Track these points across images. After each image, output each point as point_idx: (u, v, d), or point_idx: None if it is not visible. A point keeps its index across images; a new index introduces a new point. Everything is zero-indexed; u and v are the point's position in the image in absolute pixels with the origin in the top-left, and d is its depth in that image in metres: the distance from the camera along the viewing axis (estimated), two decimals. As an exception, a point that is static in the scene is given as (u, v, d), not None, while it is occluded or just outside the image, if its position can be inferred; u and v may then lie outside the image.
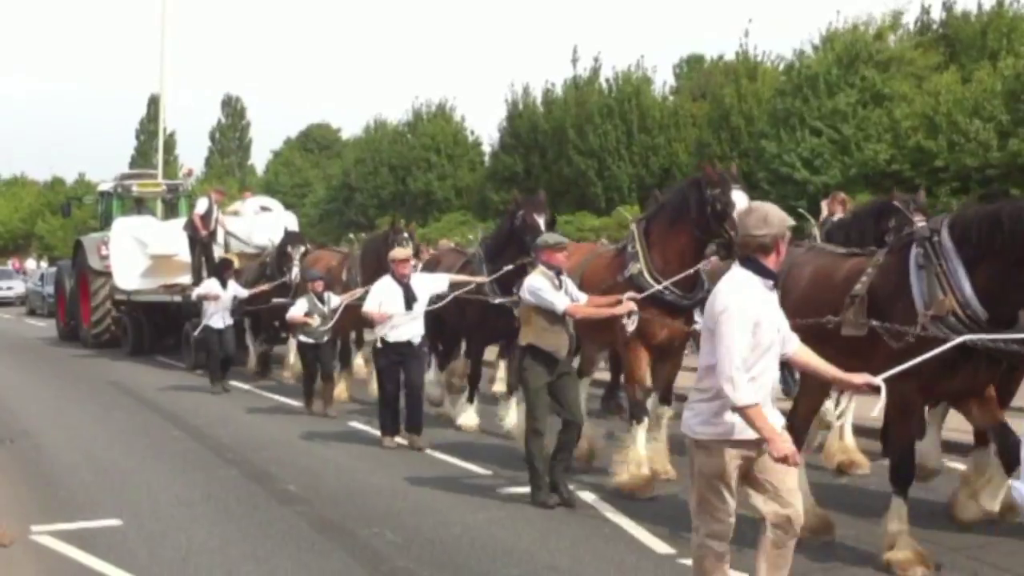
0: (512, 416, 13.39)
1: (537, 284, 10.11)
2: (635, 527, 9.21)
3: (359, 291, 15.38)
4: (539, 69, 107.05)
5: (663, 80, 48.20)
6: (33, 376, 22.09)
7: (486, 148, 52.83)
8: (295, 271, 19.24)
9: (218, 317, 18.96)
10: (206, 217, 22.50)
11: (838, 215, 17.31)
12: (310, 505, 10.36)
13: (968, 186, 29.00)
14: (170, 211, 29.28)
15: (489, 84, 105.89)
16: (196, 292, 19.79)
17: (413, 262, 13.99)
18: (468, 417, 14.45)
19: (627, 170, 41.33)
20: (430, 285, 13.49)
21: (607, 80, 44.60)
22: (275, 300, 19.16)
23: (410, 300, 12.91)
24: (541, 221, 12.84)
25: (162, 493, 10.97)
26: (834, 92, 32.91)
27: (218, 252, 22.97)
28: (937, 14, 38.06)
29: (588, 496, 10.34)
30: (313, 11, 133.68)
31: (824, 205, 17.79)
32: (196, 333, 20.18)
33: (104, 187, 30.96)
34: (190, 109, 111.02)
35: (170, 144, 71.13)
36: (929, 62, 34.42)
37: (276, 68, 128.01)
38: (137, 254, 24.69)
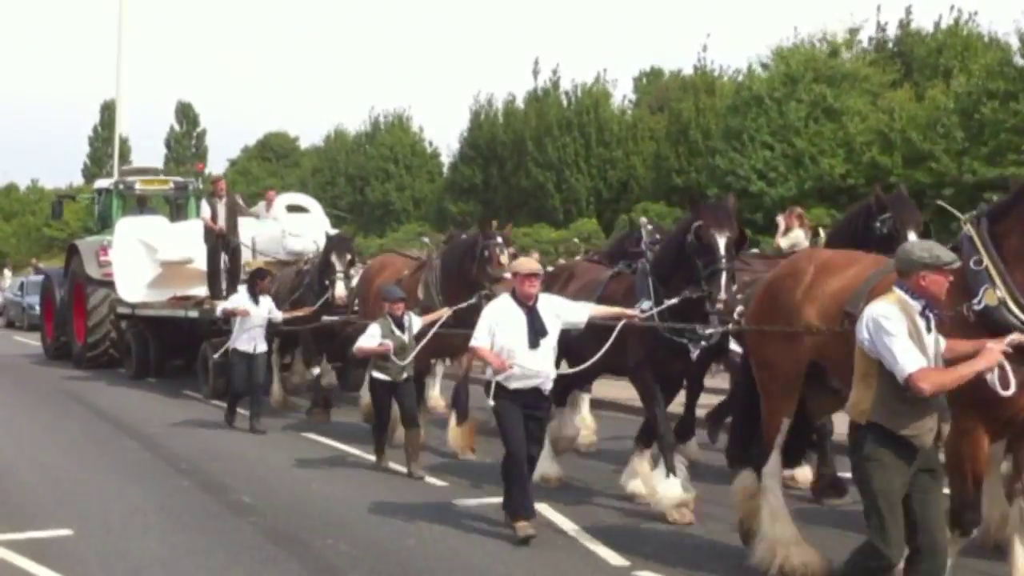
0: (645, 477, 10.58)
1: (888, 321, 6.25)
2: (590, 540, 9.22)
3: (444, 312, 12.48)
4: (498, 81, 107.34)
5: (622, 94, 48.55)
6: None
7: (444, 159, 52.95)
8: (339, 287, 15.84)
9: (247, 338, 15.40)
10: (213, 217, 19.05)
11: (796, 230, 17.47)
12: (264, 516, 10.29)
13: (922, 202, 29.27)
14: (177, 213, 25.93)
15: (447, 95, 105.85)
16: (222, 307, 16.17)
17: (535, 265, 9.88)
18: (673, 488, 9.97)
19: (585, 183, 41.53)
20: (564, 313, 9.60)
21: (566, 93, 44.82)
22: (324, 318, 15.81)
23: (536, 332, 9.26)
24: (722, 241, 9.44)
25: (114, 503, 10.87)
26: (782, 108, 33.21)
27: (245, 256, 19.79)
28: (892, 32, 38.49)
29: (542, 507, 10.33)
30: (270, 19, 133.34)
31: (781, 220, 17.94)
32: (217, 356, 16.88)
33: (102, 184, 27.56)
34: (145, 115, 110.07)
35: (125, 150, 70.64)
36: (884, 79, 34.79)
37: (233, 76, 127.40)
38: (144, 260, 21.33)
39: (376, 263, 16.19)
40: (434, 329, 12.40)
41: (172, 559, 8.81)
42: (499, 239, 12.53)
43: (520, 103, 46.18)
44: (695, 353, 10.22)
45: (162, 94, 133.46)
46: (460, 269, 12.82)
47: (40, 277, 39.80)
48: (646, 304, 10.00)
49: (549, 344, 9.35)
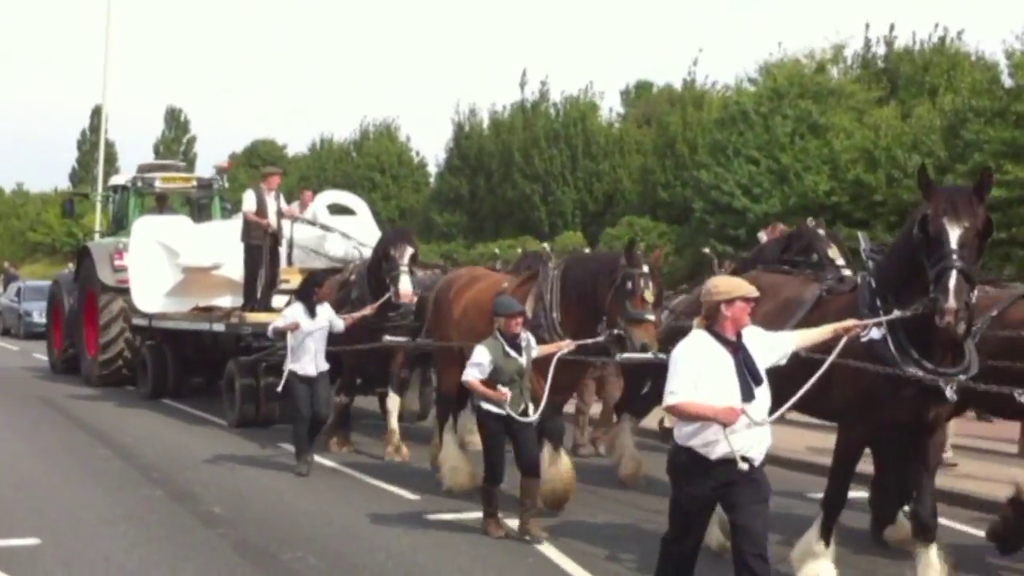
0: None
1: None
2: (560, 556, 9.18)
3: (566, 344, 10.15)
4: (487, 92, 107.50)
5: (609, 106, 48.66)
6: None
7: (431, 169, 53.01)
8: (404, 281, 13.53)
9: (308, 359, 12.98)
10: (260, 210, 16.52)
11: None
12: (234, 527, 10.23)
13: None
14: (199, 214, 23.36)
15: (436, 105, 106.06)
16: (274, 326, 13.40)
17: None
18: (823, 566, 8.16)
19: (571, 195, 41.55)
20: (772, 348, 7.08)
21: (554, 105, 44.88)
22: (387, 339, 13.37)
23: (749, 380, 6.70)
24: (954, 233, 7.28)
25: (83, 512, 10.80)
26: (767, 123, 33.29)
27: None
28: (880, 49, 38.60)
29: (513, 523, 10.27)
30: (260, 26, 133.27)
31: (763, 235, 17.97)
32: (279, 387, 13.35)
33: (118, 180, 24.72)
34: (134, 121, 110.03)
35: (112, 155, 70.52)
36: (869, 96, 34.91)
37: (222, 82, 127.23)
38: (164, 265, 18.95)
39: (461, 275, 12.97)
40: (561, 351, 10.11)
41: (139, 570, 8.75)
42: (646, 268, 10.04)
43: (506, 114, 46.23)
44: (950, 392, 7.57)
45: (152, 100, 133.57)
46: (590, 293, 10.42)
47: (39, 282, 38.08)
48: (875, 333, 7.66)
49: (765, 395, 6.76)
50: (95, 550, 9.34)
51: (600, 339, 10.11)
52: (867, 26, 38.69)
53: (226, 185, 25.37)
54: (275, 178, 17.13)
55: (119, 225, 23.23)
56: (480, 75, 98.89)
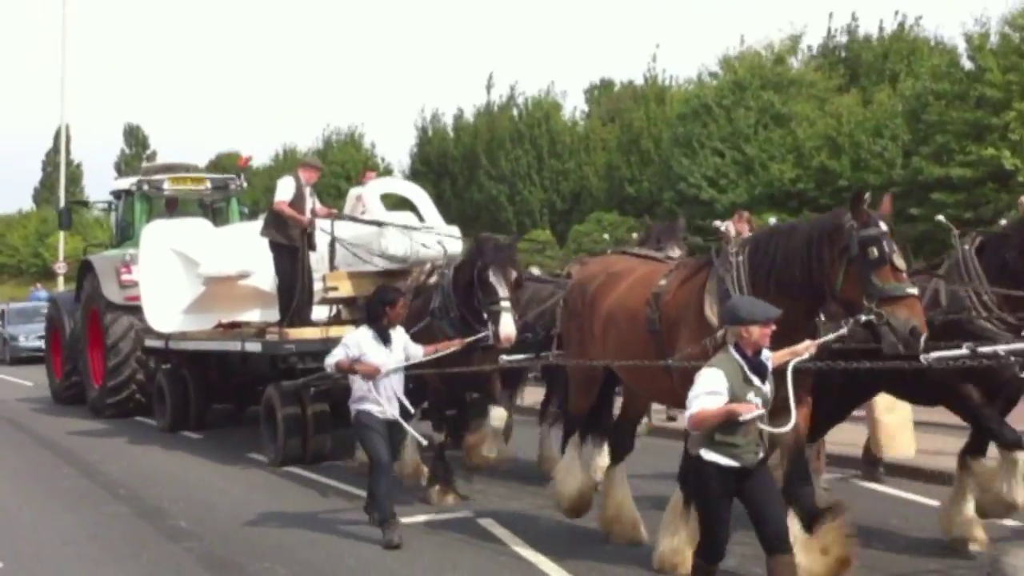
0: None
1: None
2: (535, 554, 9.02)
3: (806, 346, 7.17)
4: (451, 96, 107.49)
5: (573, 105, 48.73)
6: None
7: (397, 175, 52.81)
8: (507, 321, 10.29)
9: (388, 398, 9.83)
10: (297, 203, 13.54)
11: (746, 234, 17.43)
12: (200, 541, 10.02)
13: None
14: (215, 219, 20.39)
15: (400, 112, 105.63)
16: (333, 360, 9.84)
17: None
18: None
19: (538, 195, 41.48)
20: None
21: (517, 106, 44.88)
22: (504, 359, 10.50)
23: None
24: None
25: (47, 533, 10.58)
26: (731, 116, 33.38)
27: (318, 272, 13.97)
28: (840, 38, 38.72)
29: (486, 522, 10.13)
30: (215, 39, 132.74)
31: (731, 225, 17.92)
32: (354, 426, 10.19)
33: (121, 185, 21.65)
34: (97, 140, 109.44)
35: (76, 175, 69.98)
36: (831, 84, 35.03)
37: (182, 97, 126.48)
38: (181, 277, 16.30)
39: (594, 273, 9.53)
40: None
41: (101, 589, 8.56)
42: (885, 226, 7.19)
43: (470, 117, 46.18)
44: None
45: (114, 118, 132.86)
46: (802, 274, 7.41)
47: (25, 304, 36.33)
48: None
49: None
50: (58, 572, 9.16)
51: (843, 331, 7.26)
52: (830, 15, 38.90)
53: (245, 185, 22.30)
54: (314, 173, 14.10)
55: (124, 235, 20.70)
56: (444, 81, 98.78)
